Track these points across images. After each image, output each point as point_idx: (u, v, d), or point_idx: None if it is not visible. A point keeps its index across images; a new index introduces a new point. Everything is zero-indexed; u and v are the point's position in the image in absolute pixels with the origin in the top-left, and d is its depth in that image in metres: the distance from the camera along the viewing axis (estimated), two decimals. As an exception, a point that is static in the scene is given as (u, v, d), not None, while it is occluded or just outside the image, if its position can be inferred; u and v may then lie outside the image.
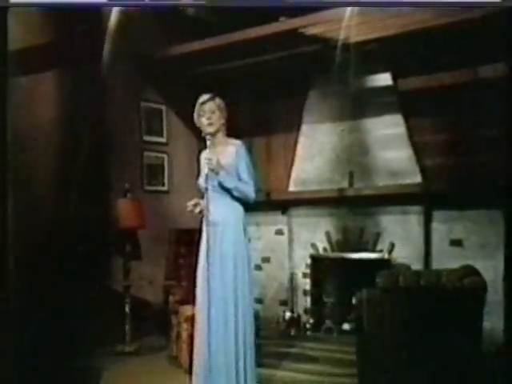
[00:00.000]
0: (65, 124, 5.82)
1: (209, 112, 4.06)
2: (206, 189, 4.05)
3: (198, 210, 4.11)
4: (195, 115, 4.14)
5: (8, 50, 5.65)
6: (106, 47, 5.33)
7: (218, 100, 4.10)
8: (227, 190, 4.02)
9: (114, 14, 5.13)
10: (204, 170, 4.08)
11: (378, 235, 5.82)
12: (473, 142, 5.41)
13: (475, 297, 4.05)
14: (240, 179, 4.04)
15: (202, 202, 4.09)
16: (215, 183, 4.01)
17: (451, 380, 3.89)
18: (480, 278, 4.15)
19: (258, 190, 4.18)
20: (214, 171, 3.98)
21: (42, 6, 3.78)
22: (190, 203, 4.10)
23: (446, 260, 5.31)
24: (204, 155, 4.17)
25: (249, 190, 4.05)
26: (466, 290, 4.07)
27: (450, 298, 4.07)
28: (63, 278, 5.51)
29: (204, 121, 4.09)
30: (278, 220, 6.53)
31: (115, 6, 4.88)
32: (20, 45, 5.78)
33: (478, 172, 5.28)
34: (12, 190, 5.87)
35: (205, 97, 4.10)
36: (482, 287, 4.07)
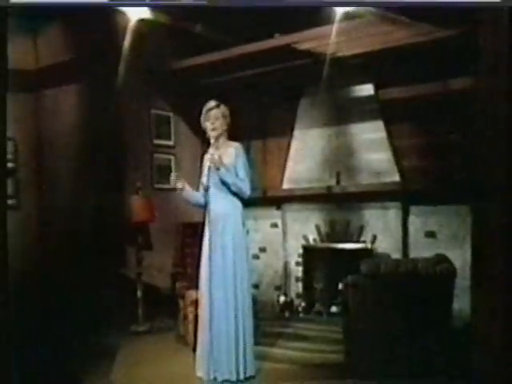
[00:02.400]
0: (85, 130, 5.85)
1: (213, 118, 4.08)
2: (209, 186, 4.10)
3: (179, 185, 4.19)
4: (202, 119, 4.13)
5: (37, 65, 5.76)
6: (122, 63, 5.33)
7: (222, 107, 4.11)
8: (226, 185, 4.04)
9: (129, 34, 5.11)
10: (206, 166, 4.12)
11: (361, 228, 5.82)
12: (444, 146, 5.42)
13: (446, 282, 4.10)
14: (237, 176, 4.06)
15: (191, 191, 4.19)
16: (217, 180, 4.04)
17: (426, 352, 3.93)
18: (451, 266, 4.19)
19: (253, 187, 4.20)
20: (215, 166, 4.00)
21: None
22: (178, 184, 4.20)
23: (422, 249, 5.33)
24: (206, 156, 4.20)
25: (244, 187, 4.06)
26: (438, 275, 4.11)
27: (425, 283, 4.10)
28: (84, 265, 5.56)
29: (209, 125, 4.10)
30: (273, 214, 6.50)
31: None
32: (47, 62, 5.86)
33: (449, 172, 5.30)
34: (40, 188, 5.95)
35: (211, 104, 4.10)
36: (452, 273, 4.13)
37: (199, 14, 5.14)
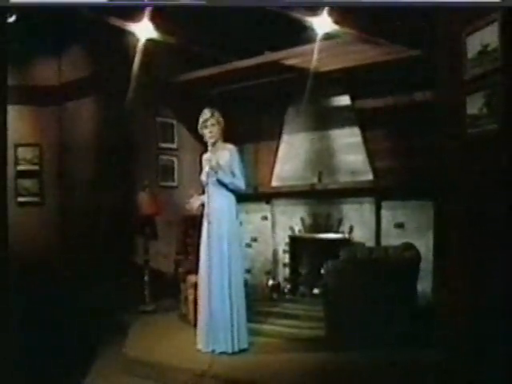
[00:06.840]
0: (100, 136, 5.89)
1: (210, 126, 4.13)
2: (207, 184, 4.14)
3: (197, 204, 4.20)
4: (199, 126, 4.18)
5: (60, 82, 5.80)
6: (131, 77, 5.33)
7: (216, 114, 4.15)
8: (224, 185, 4.09)
9: (138, 52, 5.11)
10: (205, 168, 4.16)
11: (340, 220, 5.81)
12: (411, 149, 5.41)
13: (412, 266, 4.16)
14: (233, 175, 4.09)
15: (200, 198, 4.17)
16: (214, 179, 4.08)
17: (395, 326, 3.98)
18: (416, 252, 4.25)
19: (247, 184, 4.24)
20: (213, 170, 4.06)
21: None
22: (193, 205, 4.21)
23: (392, 238, 5.33)
24: (205, 157, 4.23)
25: (240, 184, 4.11)
26: (405, 261, 4.18)
27: (394, 267, 4.17)
28: (99, 253, 5.59)
29: (206, 132, 4.15)
30: (264, 208, 6.49)
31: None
32: (68, 79, 5.88)
33: (415, 172, 5.28)
34: (61, 187, 5.99)
35: (207, 114, 4.14)
36: (417, 259, 4.18)
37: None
